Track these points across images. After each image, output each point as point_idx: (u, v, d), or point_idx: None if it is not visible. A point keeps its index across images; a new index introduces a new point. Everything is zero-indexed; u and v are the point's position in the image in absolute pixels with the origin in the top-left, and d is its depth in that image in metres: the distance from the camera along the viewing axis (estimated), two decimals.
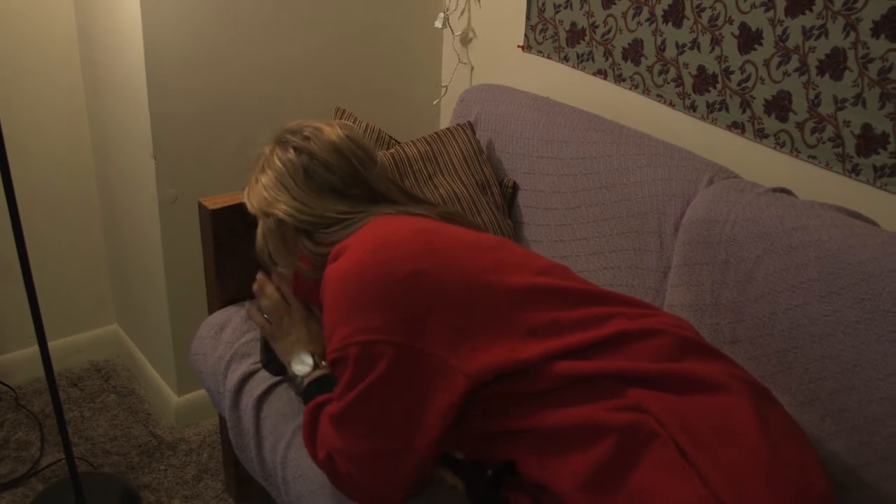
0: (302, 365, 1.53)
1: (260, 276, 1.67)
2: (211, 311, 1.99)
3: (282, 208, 1.43)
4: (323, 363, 1.53)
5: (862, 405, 1.38)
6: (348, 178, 1.45)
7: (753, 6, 1.73)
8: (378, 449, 1.29)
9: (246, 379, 1.76)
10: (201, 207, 1.89)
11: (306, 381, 1.51)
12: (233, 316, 1.91)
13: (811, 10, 1.63)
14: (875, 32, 1.55)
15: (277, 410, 1.68)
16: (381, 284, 1.25)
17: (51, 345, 2.54)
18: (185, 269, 2.28)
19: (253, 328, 1.84)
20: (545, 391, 1.24)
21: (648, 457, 1.18)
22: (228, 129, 2.25)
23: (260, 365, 1.76)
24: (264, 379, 1.74)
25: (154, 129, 2.12)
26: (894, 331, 1.34)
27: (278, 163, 1.47)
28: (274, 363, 1.72)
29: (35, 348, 2.57)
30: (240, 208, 1.88)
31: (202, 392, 2.45)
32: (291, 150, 1.47)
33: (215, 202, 1.89)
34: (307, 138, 1.47)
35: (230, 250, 1.91)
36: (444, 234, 1.36)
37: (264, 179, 1.49)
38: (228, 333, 1.86)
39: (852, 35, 1.58)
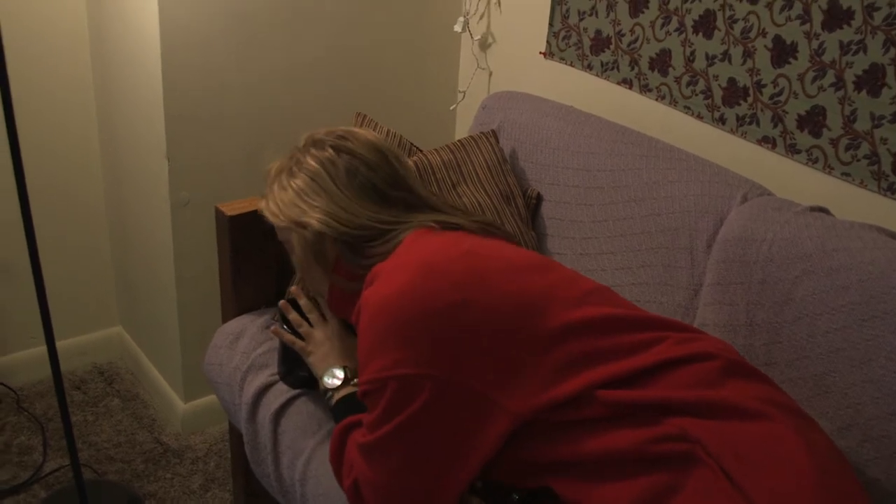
0: (333, 379, 1.49)
1: (294, 289, 1.62)
2: (225, 319, 1.94)
3: (318, 217, 1.35)
4: (355, 380, 1.48)
5: None
6: (390, 178, 1.39)
7: (788, 19, 1.69)
8: (409, 485, 1.22)
9: (263, 391, 1.71)
10: (218, 213, 1.85)
11: (336, 396, 1.47)
12: (248, 325, 1.86)
13: (849, 25, 1.60)
14: None
15: (296, 425, 1.64)
16: (423, 315, 1.17)
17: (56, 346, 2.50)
18: (195, 273, 2.23)
19: (270, 338, 1.80)
20: (589, 419, 1.19)
21: (692, 484, 1.14)
22: (243, 132, 2.21)
23: (278, 377, 1.72)
24: (282, 392, 1.69)
25: (168, 131, 2.08)
26: None
27: (314, 163, 1.40)
28: (292, 375, 1.68)
29: (37, 349, 2.54)
30: (257, 215, 1.84)
31: (209, 398, 2.41)
32: (329, 150, 1.40)
33: (233, 208, 1.84)
34: (343, 138, 1.41)
35: (247, 257, 1.87)
36: (490, 254, 1.30)
37: (296, 184, 1.41)
38: (244, 343, 1.82)
39: (892, 51, 1.55)
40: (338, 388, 1.48)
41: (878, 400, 1.36)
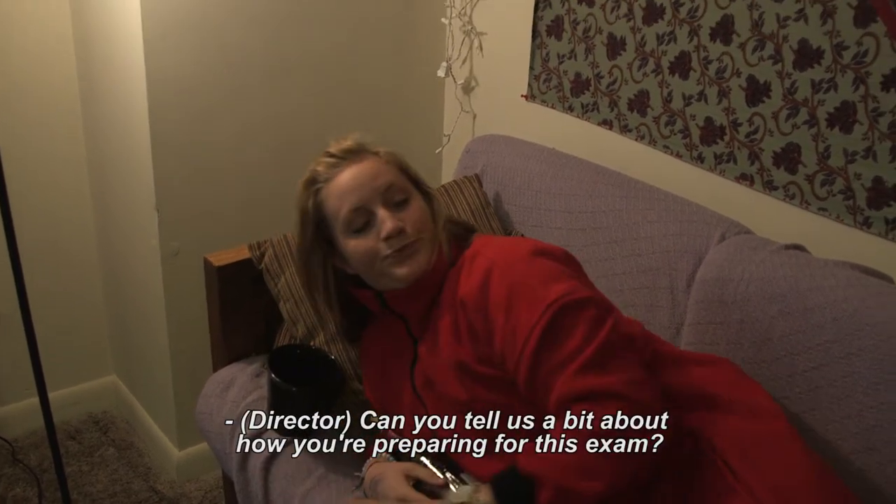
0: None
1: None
2: (216, 368, 1.96)
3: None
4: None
5: (882, 465, 1.36)
6: None
7: (761, 59, 1.73)
8: (637, 363, 1.30)
9: (253, 440, 1.73)
10: (207, 264, 1.87)
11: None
12: (238, 374, 1.88)
13: (820, 64, 1.63)
14: (885, 86, 1.54)
15: (286, 473, 1.65)
16: (564, 255, 1.44)
17: (48, 397, 2.52)
18: (186, 321, 2.25)
19: (260, 387, 1.82)
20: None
21: (698, 480, 1.28)
22: (231, 181, 2.24)
23: (267, 426, 1.73)
24: (272, 440, 1.71)
25: (157, 182, 2.11)
26: None
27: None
28: (283, 424, 1.70)
29: (31, 400, 2.55)
30: (245, 264, 1.87)
31: (203, 446, 2.42)
32: None
33: (220, 258, 1.87)
34: None
35: (236, 307, 1.89)
36: None
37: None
38: (234, 392, 1.84)
39: (862, 89, 1.58)
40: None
41: (857, 434, 1.39)
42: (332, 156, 1.52)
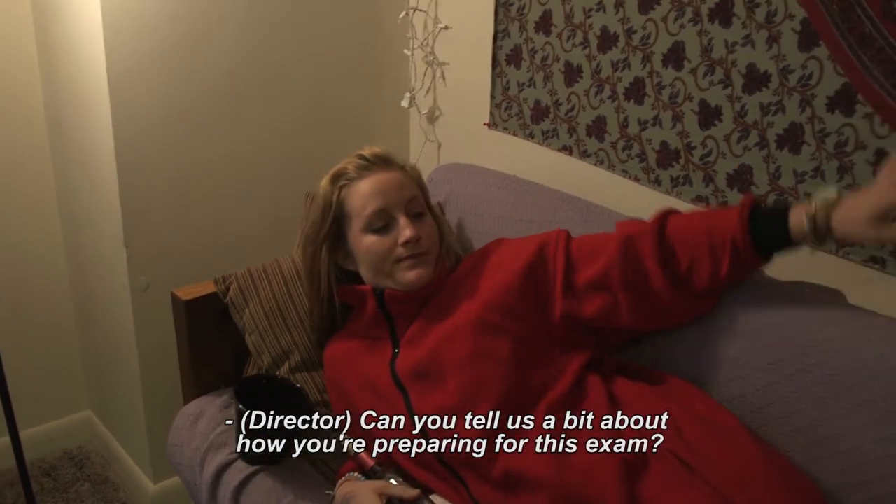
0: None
1: None
2: (186, 401, 1.98)
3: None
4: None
5: (829, 475, 1.38)
6: None
7: (712, 83, 1.77)
8: None
9: (222, 470, 1.74)
10: (174, 298, 1.89)
11: None
12: (208, 406, 1.90)
13: (767, 87, 1.68)
14: (830, 108, 1.59)
15: (255, 501, 1.66)
16: None
17: (22, 434, 2.51)
18: (158, 355, 2.27)
19: (228, 417, 1.83)
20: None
21: (651, 475, 1.31)
22: (199, 216, 2.27)
23: (236, 455, 1.75)
24: (241, 469, 1.72)
25: (125, 219, 2.13)
26: (859, 404, 1.35)
27: None
28: (251, 453, 1.71)
29: (5, 439, 2.55)
30: (213, 298, 1.89)
31: (178, 479, 2.42)
32: None
33: (188, 292, 1.89)
34: None
35: (204, 340, 1.91)
36: None
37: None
38: (204, 424, 1.85)
39: (808, 110, 1.62)
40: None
41: (805, 448, 1.41)
42: (363, 158, 1.64)
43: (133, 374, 2.33)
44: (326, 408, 1.77)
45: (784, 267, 1.67)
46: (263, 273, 1.87)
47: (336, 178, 1.64)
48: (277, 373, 1.82)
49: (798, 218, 1.36)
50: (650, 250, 1.48)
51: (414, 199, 1.61)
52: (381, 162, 1.64)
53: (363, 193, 1.59)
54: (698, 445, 1.36)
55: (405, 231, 1.55)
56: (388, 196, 1.58)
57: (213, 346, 1.93)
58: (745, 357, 1.51)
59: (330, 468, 1.73)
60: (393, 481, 1.47)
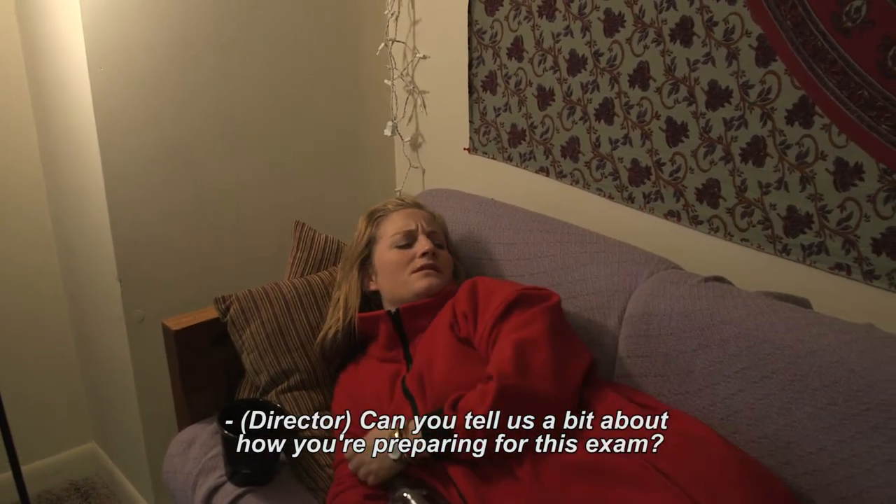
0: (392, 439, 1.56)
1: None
2: (180, 428, 2.02)
3: None
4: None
5: (796, 478, 1.42)
6: None
7: (677, 101, 1.82)
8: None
9: (213, 492, 1.79)
10: (165, 329, 1.95)
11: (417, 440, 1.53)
12: (200, 433, 1.95)
13: (729, 103, 1.72)
14: (789, 120, 1.63)
15: None
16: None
17: (29, 467, 2.58)
18: (156, 386, 2.31)
19: (218, 443, 1.88)
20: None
21: (624, 480, 1.37)
22: (190, 248, 2.32)
23: (225, 478, 1.80)
24: (230, 491, 1.77)
25: (117, 253, 2.19)
26: (823, 407, 1.39)
27: None
28: (238, 475, 1.77)
29: (8, 473, 2.60)
30: (203, 327, 1.95)
31: None
32: None
33: (178, 322, 1.94)
34: None
35: (194, 369, 1.96)
36: None
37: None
38: (196, 450, 1.90)
39: (769, 124, 1.67)
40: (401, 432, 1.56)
41: (773, 453, 1.45)
42: (401, 199, 1.99)
43: (132, 405, 2.38)
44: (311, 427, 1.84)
45: (756, 278, 1.72)
46: (265, 294, 1.94)
47: (373, 213, 1.96)
48: (274, 390, 1.87)
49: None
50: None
51: (436, 232, 1.91)
52: (415, 204, 1.97)
53: (395, 220, 1.90)
54: (671, 453, 1.40)
55: (424, 244, 1.84)
56: (416, 221, 1.89)
57: (204, 373, 1.98)
58: (713, 367, 1.55)
59: (315, 483, 1.77)
60: (406, 494, 1.51)
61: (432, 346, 1.69)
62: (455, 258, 1.95)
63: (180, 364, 1.94)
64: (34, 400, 2.64)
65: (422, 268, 1.82)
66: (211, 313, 1.95)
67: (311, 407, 1.86)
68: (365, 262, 1.92)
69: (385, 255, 1.87)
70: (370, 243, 1.92)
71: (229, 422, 1.75)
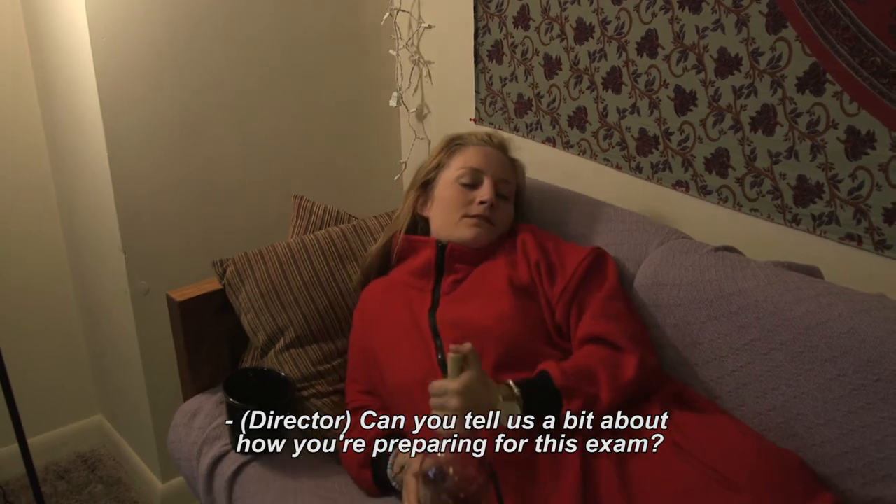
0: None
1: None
2: (186, 398, 2.02)
3: None
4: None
5: (804, 450, 1.42)
6: None
7: (685, 69, 1.79)
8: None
9: (217, 461, 1.79)
10: (170, 300, 1.94)
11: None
12: (205, 402, 1.94)
13: (739, 71, 1.70)
14: (800, 88, 1.61)
15: (248, 490, 1.71)
16: None
17: (36, 439, 2.59)
18: (161, 357, 2.32)
19: (223, 413, 1.88)
20: None
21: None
22: (194, 218, 2.31)
23: (230, 447, 1.80)
24: (234, 459, 1.77)
25: (121, 225, 2.18)
26: (832, 378, 1.38)
27: None
28: (243, 444, 1.76)
29: (15, 445, 2.61)
30: (207, 297, 1.94)
31: None
32: None
33: (183, 293, 1.94)
34: None
35: (199, 339, 1.95)
36: None
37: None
38: (200, 419, 1.90)
39: (779, 92, 1.64)
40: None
41: (781, 425, 1.44)
42: (487, 135, 1.88)
43: (138, 377, 2.38)
44: (322, 378, 1.85)
45: (765, 248, 1.70)
46: (259, 256, 1.93)
47: (452, 139, 1.87)
48: (272, 350, 1.87)
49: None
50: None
51: (507, 181, 1.81)
52: (499, 144, 1.87)
53: (469, 153, 1.81)
54: (687, 428, 1.39)
55: (485, 193, 1.75)
56: (489, 165, 1.79)
57: (208, 343, 1.97)
58: (722, 339, 1.54)
59: (322, 449, 1.79)
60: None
61: (481, 294, 1.66)
62: (520, 213, 1.88)
63: (185, 335, 1.94)
64: (40, 372, 2.64)
65: (476, 216, 1.75)
66: (215, 284, 1.95)
67: (309, 365, 1.85)
68: (427, 186, 1.85)
69: (447, 187, 1.79)
70: (438, 167, 1.84)
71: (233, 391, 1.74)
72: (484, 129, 1.92)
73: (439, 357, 1.58)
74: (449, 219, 1.77)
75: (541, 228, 1.81)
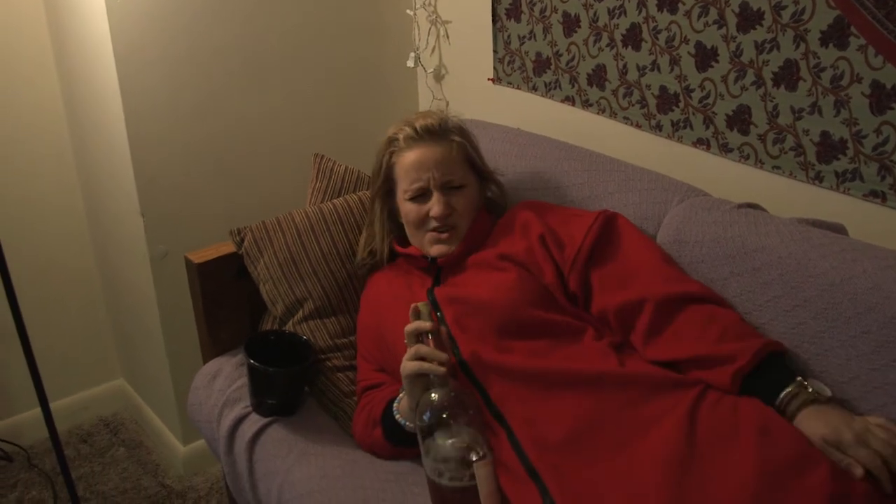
0: None
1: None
2: (205, 361, 2.03)
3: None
4: None
5: None
6: None
7: (706, 25, 1.76)
8: None
9: (238, 423, 1.80)
10: (188, 262, 1.94)
11: None
12: (224, 365, 1.95)
13: (761, 25, 1.67)
14: (823, 42, 1.58)
15: (269, 452, 1.72)
16: None
17: (59, 403, 2.61)
18: (181, 321, 2.32)
19: (243, 374, 1.88)
20: None
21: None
22: (212, 182, 2.31)
23: (250, 409, 1.80)
24: (255, 421, 1.78)
25: (139, 188, 2.18)
26: (855, 335, 1.36)
27: None
28: (263, 405, 1.77)
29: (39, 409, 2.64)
30: (225, 259, 1.94)
31: None
32: None
33: (201, 256, 1.94)
34: None
35: (218, 301, 1.96)
36: None
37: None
38: (220, 381, 1.91)
39: (802, 46, 1.62)
40: None
41: None
42: (414, 130, 1.76)
43: (157, 341, 2.39)
44: (339, 351, 1.85)
45: (788, 205, 1.68)
46: (277, 225, 1.92)
47: (389, 142, 1.80)
48: (290, 321, 1.87)
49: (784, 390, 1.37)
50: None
51: (452, 175, 1.74)
52: (429, 136, 1.76)
53: (406, 166, 1.74)
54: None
55: (434, 207, 1.72)
56: (427, 172, 1.72)
57: (227, 306, 1.97)
58: (745, 295, 1.52)
59: (343, 410, 1.79)
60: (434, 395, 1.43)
61: (479, 275, 1.67)
62: (489, 181, 1.85)
63: (204, 297, 1.94)
64: (62, 338, 2.66)
65: (434, 229, 1.73)
66: (233, 247, 1.94)
67: (326, 337, 1.85)
68: (387, 198, 1.82)
69: (402, 204, 1.77)
70: (389, 181, 1.80)
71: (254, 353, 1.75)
72: (415, 113, 1.85)
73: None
74: (416, 237, 1.78)
75: (541, 201, 1.82)
